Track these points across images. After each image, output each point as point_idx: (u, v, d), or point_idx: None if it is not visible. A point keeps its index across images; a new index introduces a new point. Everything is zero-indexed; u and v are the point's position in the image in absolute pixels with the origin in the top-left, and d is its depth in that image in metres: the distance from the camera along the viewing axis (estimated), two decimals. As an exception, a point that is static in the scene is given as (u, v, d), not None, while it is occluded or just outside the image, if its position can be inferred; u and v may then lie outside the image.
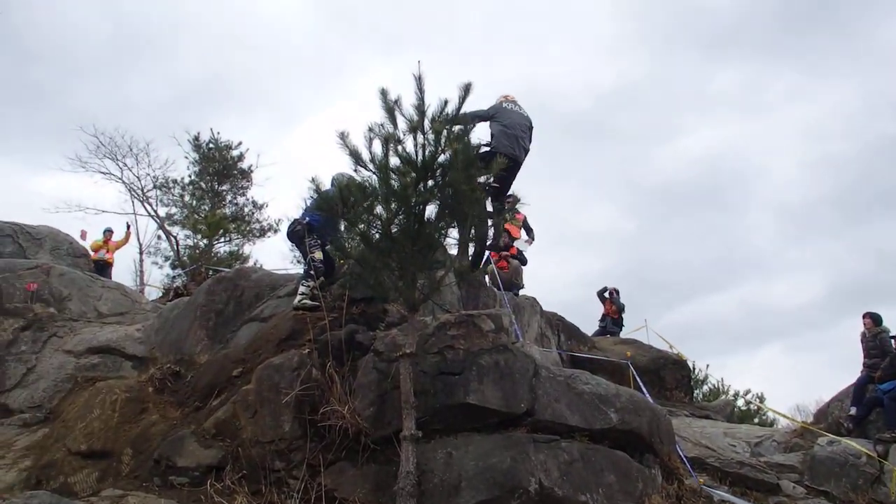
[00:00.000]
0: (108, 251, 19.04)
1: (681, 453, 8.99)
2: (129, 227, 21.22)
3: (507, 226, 13.58)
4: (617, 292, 18.71)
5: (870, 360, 11.39)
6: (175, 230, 27.86)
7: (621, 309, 18.77)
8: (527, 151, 10.16)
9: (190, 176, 29.20)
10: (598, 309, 18.85)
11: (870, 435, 10.59)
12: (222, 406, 8.08)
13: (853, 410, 11.15)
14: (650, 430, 8.12)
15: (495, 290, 11.98)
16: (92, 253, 18.59)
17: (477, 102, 9.53)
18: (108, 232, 19.72)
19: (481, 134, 9.72)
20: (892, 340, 11.47)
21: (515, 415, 7.52)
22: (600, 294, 18.72)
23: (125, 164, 27.97)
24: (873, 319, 11.77)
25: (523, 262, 14.55)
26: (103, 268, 18.47)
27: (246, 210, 29.55)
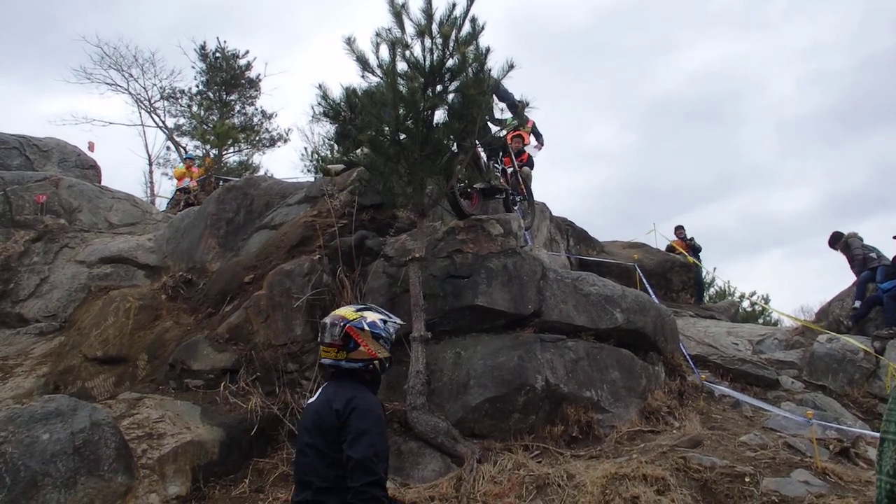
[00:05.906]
0: (191, 178, 18.83)
1: (684, 351, 9.19)
2: (208, 155, 21.13)
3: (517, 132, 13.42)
4: (682, 228, 18.14)
5: None
6: (184, 141, 27.63)
7: (696, 250, 18.02)
8: None
9: (197, 86, 28.71)
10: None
11: (868, 332, 10.75)
12: (235, 311, 8.26)
13: (857, 304, 11.31)
14: (654, 329, 8.31)
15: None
16: (175, 181, 18.52)
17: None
18: (189, 160, 19.60)
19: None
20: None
21: (523, 316, 7.70)
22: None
23: (131, 75, 27.42)
24: None
25: (531, 166, 14.43)
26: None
27: (255, 120, 29.20)
